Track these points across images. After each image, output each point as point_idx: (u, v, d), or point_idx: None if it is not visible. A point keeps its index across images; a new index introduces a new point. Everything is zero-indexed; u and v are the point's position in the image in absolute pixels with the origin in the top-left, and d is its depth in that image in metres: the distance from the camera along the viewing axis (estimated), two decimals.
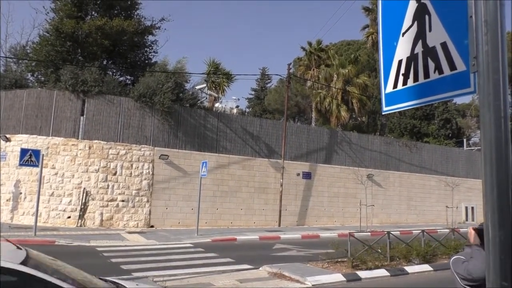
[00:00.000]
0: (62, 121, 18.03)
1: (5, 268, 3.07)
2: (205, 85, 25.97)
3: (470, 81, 1.64)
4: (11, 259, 3.23)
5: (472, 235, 2.94)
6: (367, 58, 35.09)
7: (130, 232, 16.35)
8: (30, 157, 14.05)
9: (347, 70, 27.94)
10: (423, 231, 12.41)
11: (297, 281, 8.99)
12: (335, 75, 28.53)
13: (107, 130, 18.25)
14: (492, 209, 1.38)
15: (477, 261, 2.63)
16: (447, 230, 14.40)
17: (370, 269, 10.06)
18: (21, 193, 17.51)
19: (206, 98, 26.47)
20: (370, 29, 35.56)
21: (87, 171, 17.59)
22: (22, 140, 17.73)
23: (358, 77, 28.25)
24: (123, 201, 17.84)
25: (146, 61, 23.39)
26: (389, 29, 2.12)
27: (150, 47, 23.90)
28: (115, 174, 17.90)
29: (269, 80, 52.34)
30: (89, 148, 17.77)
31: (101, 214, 17.46)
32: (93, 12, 21.87)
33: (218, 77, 27.39)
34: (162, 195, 18.71)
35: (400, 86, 2.02)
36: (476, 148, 35.35)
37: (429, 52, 1.84)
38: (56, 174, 17.43)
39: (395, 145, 26.71)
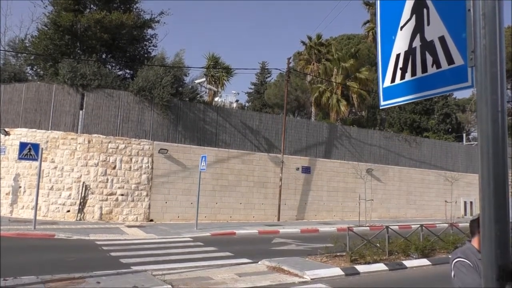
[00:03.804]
0: (61, 115, 18.00)
1: None
2: (204, 79, 25.90)
3: (468, 75, 1.63)
4: None
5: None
6: (367, 52, 34.97)
7: (129, 226, 16.39)
8: (29, 151, 14.05)
9: (347, 65, 27.86)
10: (421, 225, 12.44)
11: (296, 275, 9.02)
12: (335, 70, 28.46)
13: (106, 124, 18.23)
14: (489, 204, 1.38)
15: (467, 277, 2.55)
16: (446, 225, 14.45)
17: (369, 263, 10.11)
18: (20, 186, 17.52)
19: (206, 92, 26.43)
20: (371, 23, 35.45)
21: (86, 165, 17.59)
22: (21, 134, 17.72)
23: (360, 72, 28.18)
24: (122, 195, 17.86)
25: (146, 55, 23.30)
26: (388, 23, 2.10)
27: (150, 41, 23.81)
28: (114, 168, 17.91)
29: (269, 75, 52.21)
30: (89, 142, 17.77)
31: (101, 208, 17.49)
32: (92, 6, 21.76)
33: (218, 71, 27.35)
34: (161, 189, 18.73)
35: (398, 80, 2.01)
36: (476, 143, 35.36)
37: (427, 46, 1.83)
38: (55, 168, 17.44)
39: (394, 139, 26.72)
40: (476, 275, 2.52)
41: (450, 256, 2.85)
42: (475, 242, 2.74)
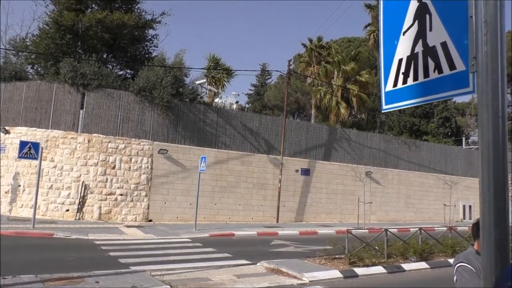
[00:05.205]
0: (62, 114, 18.01)
1: None
2: (205, 80, 25.92)
3: (469, 81, 1.65)
4: None
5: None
6: (367, 56, 35.02)
7: (128, 226, 16.39)
8: (29, 150, 14.04)
9: (347, 67, 27.91)
10: (420, 228, 12.45)
11: (295, 277, 9.03)
12: (336, 72, 28.50)
13: (107, 123, 18.24)
14: (489, 208, 1.40)
15: (469, 282, 2.56)
16: (445, 228, 14.46)
17: (367, 266, 10.11)
18: (20, 185, 17.52)
19: (206, 93, 26.43)
20: (372, 26, 35.45)
21: (86, 165, 17.59)
22: (21, 133, 17.72)
23: (360, 75, 28.22)
24: (121, 195, 17.86)
25: (147, 55, 23.35)
26: (390, 28, 2.13)
27: (151, 41, 23.87)
28: (114, 168, 17.91)
29: (269, 76, 52.28)
30: (88, 141, 17.77)
31: (100, 207, 17.49)
32: (93, 5, 21.80)
33: (218, 72, 27.38)
34: (160, 189, 18.73)
35: (400, 84, 2.04)
36: (475, 147, 35.40)
37: (429, 51, 1.85)
38: (55, 167, 17.44)
39: (394, 142, 26.74)
40: (478, 280, 2.52)
41: (452, 261, 2.85)
42: (476, 245, 2.74)
